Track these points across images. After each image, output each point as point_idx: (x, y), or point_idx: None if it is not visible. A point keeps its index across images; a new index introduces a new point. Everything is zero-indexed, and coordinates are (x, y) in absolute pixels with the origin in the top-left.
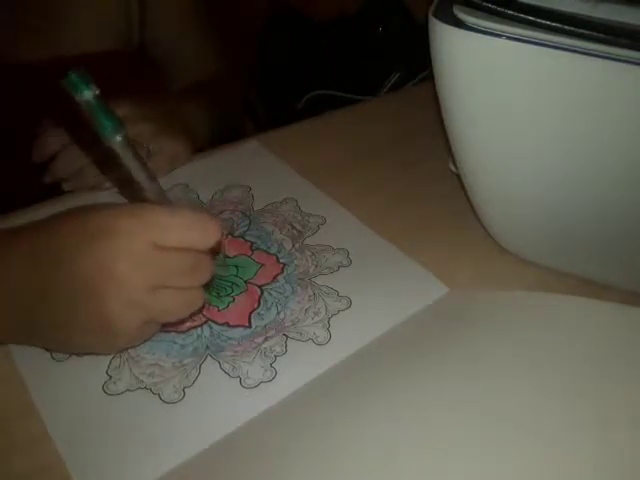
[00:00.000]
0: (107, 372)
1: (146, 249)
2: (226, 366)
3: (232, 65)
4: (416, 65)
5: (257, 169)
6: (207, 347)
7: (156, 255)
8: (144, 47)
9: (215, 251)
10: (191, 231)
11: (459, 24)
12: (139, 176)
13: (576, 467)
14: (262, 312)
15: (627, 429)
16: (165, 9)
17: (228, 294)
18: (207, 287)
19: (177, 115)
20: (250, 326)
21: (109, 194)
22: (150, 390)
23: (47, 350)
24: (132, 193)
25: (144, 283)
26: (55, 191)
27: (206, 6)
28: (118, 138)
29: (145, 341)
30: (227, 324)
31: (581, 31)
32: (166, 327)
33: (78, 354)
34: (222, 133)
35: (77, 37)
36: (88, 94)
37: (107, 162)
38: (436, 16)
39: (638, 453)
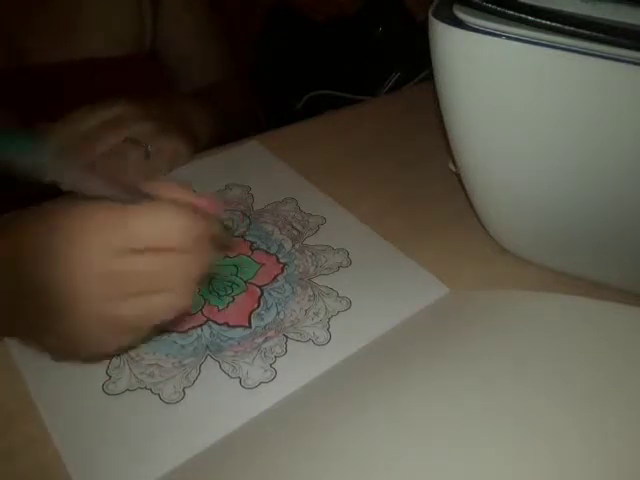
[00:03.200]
0: (107, 372)
1: (113, 256)
2: (226, 366)
3: (236, 66)
4: (416, 65)
5: (257, 169)
6: (207, 347)
7: (129, 261)
8: (155, 52)
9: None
10: (166, 231)
11: (459, 24)
12: (94, 186)
13: (575, 466)
14: (262, 312)
15: (626, 429)
16: (178, 14)
17: (228, 294)
18: (204, 285)
19: (177, 115)
20: (250, 326)
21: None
22: (150, 390)
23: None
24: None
25: (111, 293)
26: (55, 191)
27: (212, 8)
28: (45, 155)
29: (144, 342)
30: (227, 324)
31: (581, 31)
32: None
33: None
34: (225, 135)
35: (89, 42)
36: None
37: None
38: (436, 16)
39: (637, 452)
